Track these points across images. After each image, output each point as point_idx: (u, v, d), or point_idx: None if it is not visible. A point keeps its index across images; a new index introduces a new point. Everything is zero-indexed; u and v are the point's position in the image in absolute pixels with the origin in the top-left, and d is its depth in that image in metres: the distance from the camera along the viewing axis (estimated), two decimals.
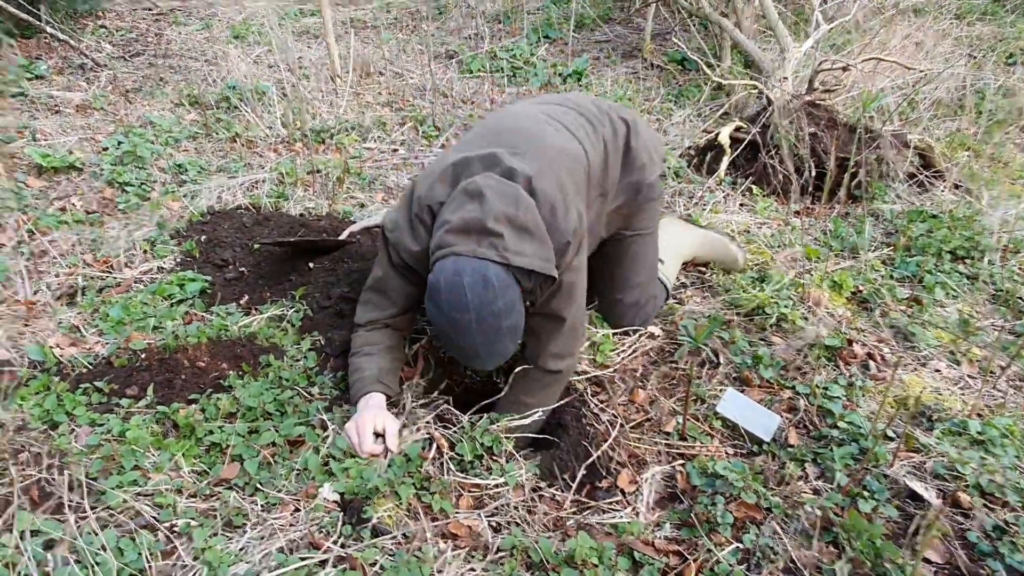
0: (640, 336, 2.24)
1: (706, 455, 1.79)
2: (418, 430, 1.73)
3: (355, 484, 1.58)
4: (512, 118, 1.94)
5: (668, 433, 1.88)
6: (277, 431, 1.74)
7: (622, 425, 1.87)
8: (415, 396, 1.90)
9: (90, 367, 1.95)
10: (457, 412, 1.80)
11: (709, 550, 1.51)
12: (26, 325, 2.23)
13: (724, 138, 3.40)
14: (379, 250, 1.89)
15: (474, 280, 1.52)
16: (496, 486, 1.62)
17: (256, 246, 2.49)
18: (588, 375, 2.06)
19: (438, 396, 1.90)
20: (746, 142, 3.38)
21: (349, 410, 1.82)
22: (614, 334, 2.24)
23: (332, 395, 1.90)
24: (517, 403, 1.84)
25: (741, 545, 1.53)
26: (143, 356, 1.97)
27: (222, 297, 2.29)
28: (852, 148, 3.15)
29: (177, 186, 3.19)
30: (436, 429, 1.74)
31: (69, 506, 1.50)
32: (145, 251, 2.64)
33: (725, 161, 3.37)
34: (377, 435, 1.69)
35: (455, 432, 1.74)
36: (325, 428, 1.76)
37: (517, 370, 1.86)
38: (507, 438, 1.72)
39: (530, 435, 1.84)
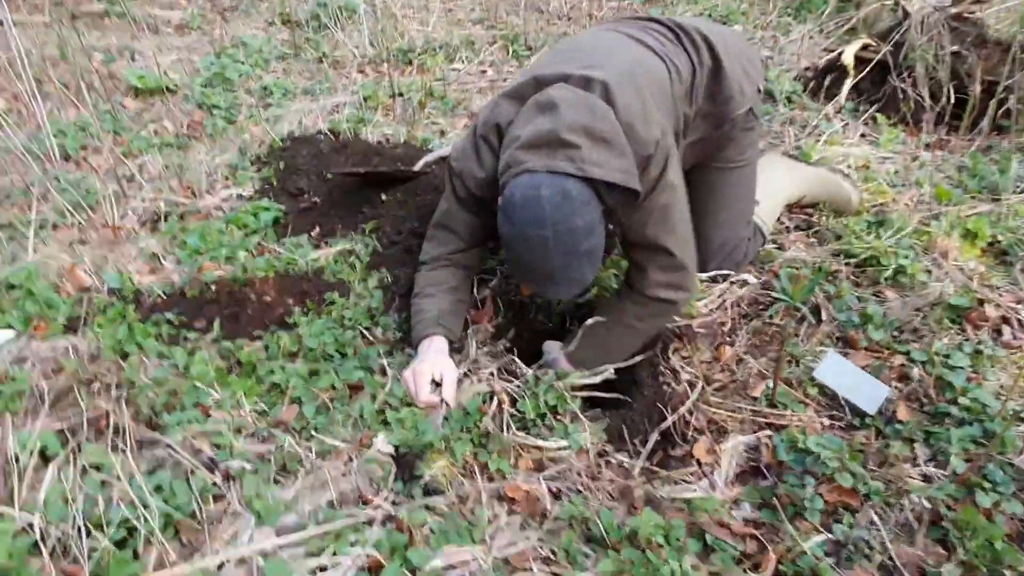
0: (731, 284, 2.03)
1: (797, 426, 1.60)
2: (479, 381, 1.63)
3: (409, 436, 1.51)
4: (586, 38, 1.82)
5: (755, 398, 1.69)
6: (337, 374, 1.69)
7: (704, 386, 1.70)
8: (480, 342, 1.79)
9: (164, 296, 1.95)
10: (522, 365, 1.68)
11: (793, 538, 1.35)
12: (111, 251, 2.26)
13: (848, 57, 3.00)
14: (445, 182, 1.77)
15: (553, 193, 1.41)
16: (558, 448, 1.50)
17: (329, 176, 2.41)
18: (669, 325, 1.89)
19: (505, 344, 1.78)
20: (874, 63, 2.97)
21: (410, 354, 1.74)
22: (701, 281, 2.03)
23: (395, 337, 1.82)
24: (629, 328, 1.73)
25: (831, 535, 1.36)
26: (214, 288, 1.95)
27: (294, 228, 2.24)
28: (1003, 70, 2.70)
29: (262, 109, 3.15)
30: (498, 381, 1.63)
31: (129, 443, 1.51)
32: (227, 177, 2.62)
33: (847, 84, 2.99)
34: (436, 384, 1.61)
35: (518, 386, 1.63)
36: (384, 374, 1.69)
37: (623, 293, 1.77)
38: (573, 397, 1.59)
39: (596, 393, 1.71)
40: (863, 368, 1.74)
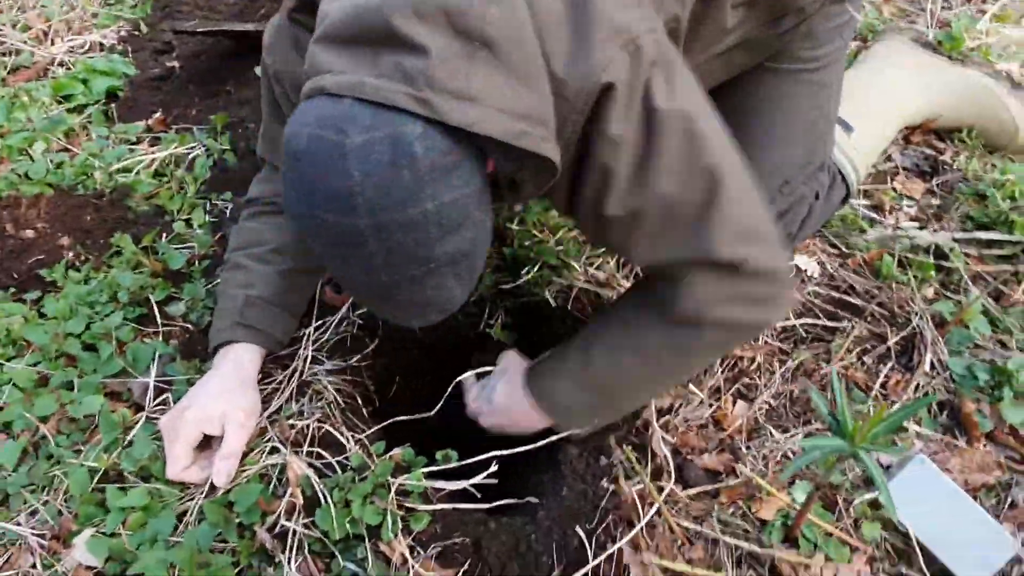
0: None
1: None
2: (271, 448, 0.95)
3: (126, 547, 0.87)
4: None
5: (764, 523, 0.95)
6: (73, 388, 1.04)
7: (672, 488, 0.97)
8: (325, 352, 1.10)
9: None
10: (346, 437, 0.98)
11: None
12: None
13: None
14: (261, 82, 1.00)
15: (369, 143, 0.65)
16: None
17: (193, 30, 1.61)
18: None
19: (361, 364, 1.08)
20: None
21: (204, 367, 1.07)
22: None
23: (201, 322, 1.15)
24: (653, 358, 0.91)
25: None
26: None
27: (135, 106, 1.52)
28: None
29: None
30: (300, 457, 0.94)
31: None
32: (95, 15, 1.88)
33: None
34: (207, 444, 0.95)
35: (341, 463, 0.94)
36: (135, 407, 1.03)
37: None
38: (416, 511, 0.89)
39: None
40: (972, 490, 0.96)
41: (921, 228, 1.28)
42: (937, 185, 1.36)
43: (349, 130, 0.65)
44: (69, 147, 1.41)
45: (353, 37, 0.68)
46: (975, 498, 0.94)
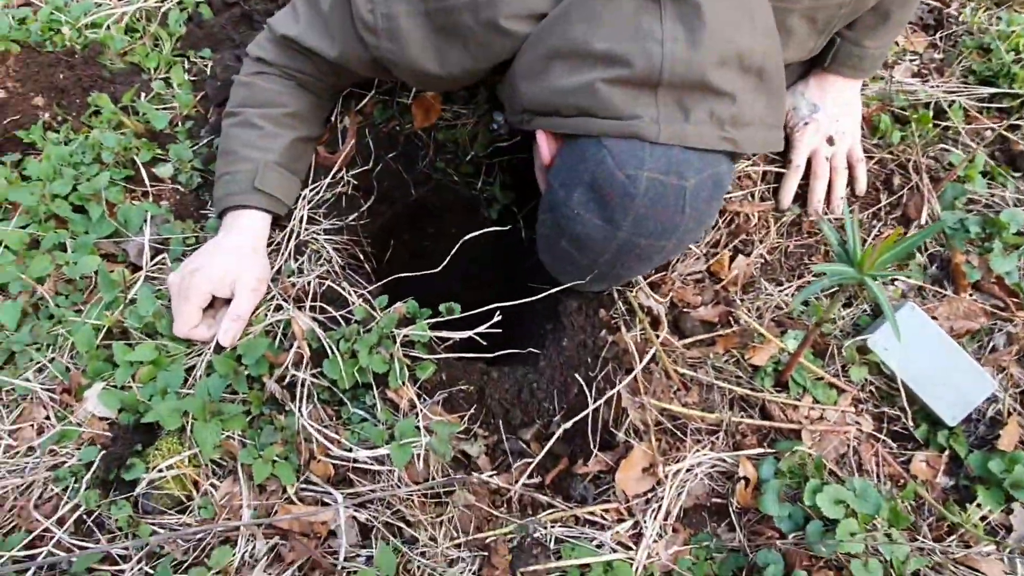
0: None
1: (813, 436, 0.93)
2: (275, 305, 0.96)
3: (138, 398, 0.89)
4: None
5: (756, 368, 0.99)
6: (66, 249, 1.03)
7: (667, 335, 0.99)
8: (322, 212, 1.08)
9: None
10: (354, 287, 0.98)
11: None
12: None
13: None
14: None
15: (701, 185, 0.79)
16: (372, 459, 0.87)
17: None
18: None
19: (357, 224, 1.07)
20: None
21: (204, 232, 1.06)
22: None
23: (190, 185, 1.12)
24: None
25: None
26: None
27: None
28: None
29: None
30: (303, 313, 0.95)
31: None
32: None
33: None
34: (215, 305, 0.96)
35: (345, 317, 0.95)
36: (133, 267, 1.03)
37: None
38: (422, 361, 0.91)
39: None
40: (956, 336, 1.00)
41: (924, 83, 1.25)
42: (940, 38, 1.33)
43: (686, 175, 0.76)
44: (31, 1, 1.31)
45: (655, 83, 0.74)
46: (960, 344, 0.98)
